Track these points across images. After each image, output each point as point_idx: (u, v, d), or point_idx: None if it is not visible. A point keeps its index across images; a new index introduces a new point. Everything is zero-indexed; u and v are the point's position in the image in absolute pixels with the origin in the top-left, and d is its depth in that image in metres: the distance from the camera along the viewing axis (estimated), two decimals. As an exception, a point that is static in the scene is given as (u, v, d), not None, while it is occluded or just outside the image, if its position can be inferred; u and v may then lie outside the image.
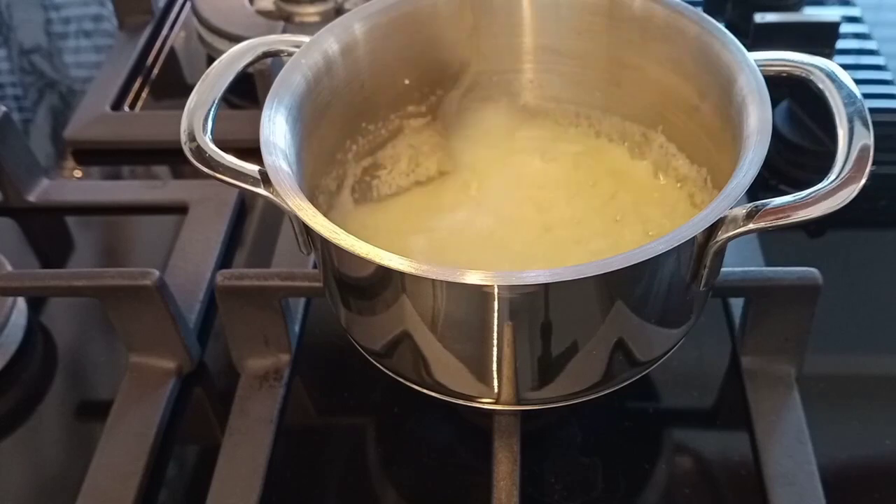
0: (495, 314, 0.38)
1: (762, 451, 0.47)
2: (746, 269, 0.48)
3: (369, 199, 0.50)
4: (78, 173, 0.67)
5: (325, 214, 0.38)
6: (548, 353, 0.40)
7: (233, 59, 0.45)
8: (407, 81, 0.51)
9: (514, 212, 0.49)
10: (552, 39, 0.50)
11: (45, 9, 0.86)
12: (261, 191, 0.40)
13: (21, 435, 0.51)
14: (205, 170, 0.41)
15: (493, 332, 0.39)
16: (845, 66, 0.42)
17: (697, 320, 0.44)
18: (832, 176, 0.38)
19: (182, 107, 0.42)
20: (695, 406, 0.51)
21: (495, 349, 0.39)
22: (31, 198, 0.63)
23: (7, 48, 0.82)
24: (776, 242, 0.56)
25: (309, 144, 0.45)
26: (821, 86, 0.41)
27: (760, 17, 0.65)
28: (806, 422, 0.47)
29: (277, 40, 0.47)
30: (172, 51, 0.78)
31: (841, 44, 0.66)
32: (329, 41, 0.46)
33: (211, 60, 0.55)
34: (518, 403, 0.43)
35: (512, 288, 0.37)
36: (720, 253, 0.39)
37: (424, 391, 0.43)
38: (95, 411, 0.51)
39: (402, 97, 0.51)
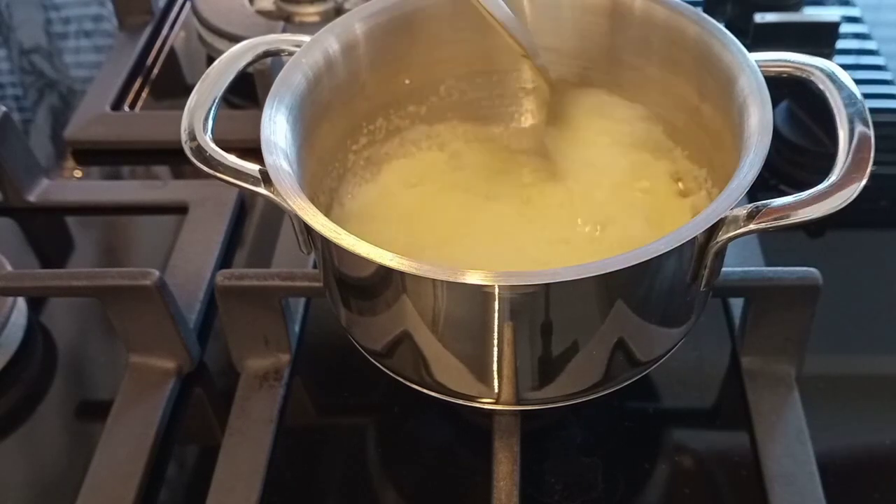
0: (496, 314, 0.38)
1: (762, 451, 0.47)
2: (746, 269, 0.48)
3: (370, 199, 0.50)
4: (78, 173, 0.67)
5: (326, 214, 0.39)
6: (548, 353, 0.40)
7: (233, 59, 0.45)
8: (407, 81, 0.51)
9: (514, 210, 0.49)
10: (552, 39, 0.50)
11: (45, 9, 0.86)
12: (261, 190, 0.40)
13: (21, 435, 0.51)
14: (205, 169, 0.41)
15: (493, 332, 0.39)
16: (845, 66, 0.42)
17: (697, 320, 0.44)
18: (832, 176, 0.38)
19: (182, 107, 0.42)
20: (695, 406, 0.51)
21: (495, 349, 0.39)
22: (31, 198, 0.63)
23: (7, 48, 0.82)
24: (776, 242, 0.56)
25: (309, 144, 0.45)
26: (821, 86, 0.41)
27: (760, 17, 0.65)
28: (806, 422, 0.47)
29: (278, 40, 0.47)
30: (172, 51, 0.78)
31: (841, 44, 0.66)
32: (329, 41, 0.46)
33: (211, 60, 0.55)
34: (518, 403, 0.43)
35: (512, 288, 0.37)
36: (720, 253, 0.39)
37: (424, 391, 0.43)
38: (95, 411, 0.51)
39: (402, 97, 0.51)
